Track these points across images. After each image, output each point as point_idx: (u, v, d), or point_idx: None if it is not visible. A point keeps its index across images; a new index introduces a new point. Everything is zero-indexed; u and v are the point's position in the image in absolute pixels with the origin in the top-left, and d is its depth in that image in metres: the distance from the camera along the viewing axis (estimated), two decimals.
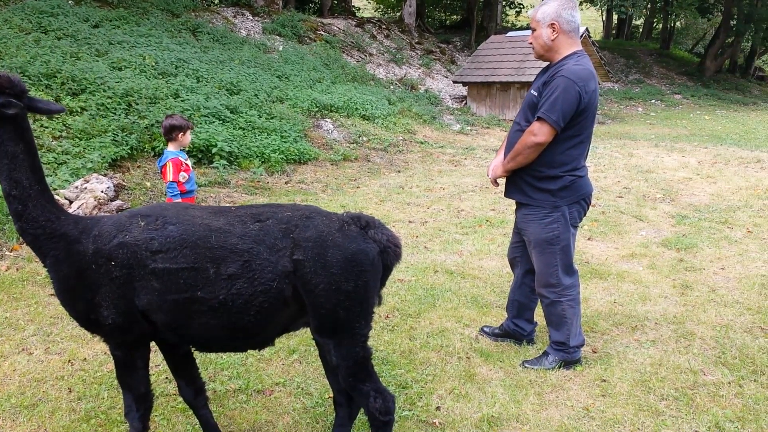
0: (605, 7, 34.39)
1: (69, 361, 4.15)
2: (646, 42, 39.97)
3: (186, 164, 5.43)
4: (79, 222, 2.71)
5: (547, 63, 4.06)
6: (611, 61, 30.73)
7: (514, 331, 4.52)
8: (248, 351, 3.57)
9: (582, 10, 41.97)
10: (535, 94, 3.92)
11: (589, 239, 7.23)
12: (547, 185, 3.94)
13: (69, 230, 2.65)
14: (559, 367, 4.15)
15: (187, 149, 5.41)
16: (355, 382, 2.79)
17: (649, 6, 33.60)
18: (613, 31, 42.02)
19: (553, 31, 3.86)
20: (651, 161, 12.69)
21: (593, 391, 3.90)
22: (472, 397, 3.80)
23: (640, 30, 43.45)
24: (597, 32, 41.38)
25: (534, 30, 3.93)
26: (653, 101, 27.07)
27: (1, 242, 6.21)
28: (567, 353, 4.18)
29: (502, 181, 4.30)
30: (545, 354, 4.25)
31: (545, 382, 4.00)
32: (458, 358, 4.29)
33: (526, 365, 4.21)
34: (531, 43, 4.00)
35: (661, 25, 40.11)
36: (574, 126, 3.84)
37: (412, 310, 5.10)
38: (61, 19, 13.12)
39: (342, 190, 9.99)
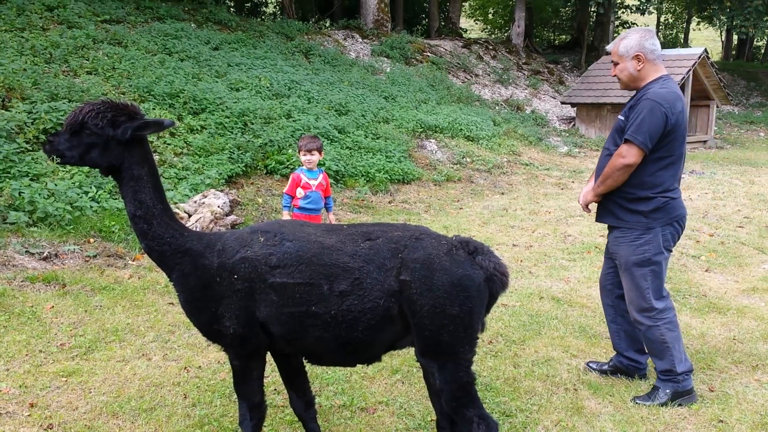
0: (725, 27, 32.64)
1: (185, 368, 4.37)
2: None
3: (307, 182, 5.68)
4: (203, 237, 2.88)
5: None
6: (731, 83, 29.07)
7: (629, 366, 4.34)
8: (356, 366, 3.64)
9: (700, 29, 40.08)
10: (623, 118, 4.01)
11: (707, 271, 6.85)
12: (639, 207, 3.96)
13: (193, 245, 2.81)
14: (673, 401, 3.96)
15: (314, 168, 5.76)
16: (458, 406, 2.78)
17: None
18: (733, 52, 39.76)
19: (639, 62, 3.98)
20: None
21: None
22: (579, 430, 3.68)
23: (762, 51, 40.92)
24: (716, 53, 39.28)
25: (617, 63, 4.05)
26: None
27: (124, 252, 6.64)
28: (676, 382, 4.01)
29: (594, 207, 4.30)
30: (655, 388, 4.07)
31: (658, 419, 3.81)
32: (565, 389, 4.17)
33: (638, 401, 4.03)
34: (615, 76, 4.11)
35: None
36: (663, 147, 3.89)
37: (517, 336, 5.01)
38: (184, 42, 13.97)
39: (445, 211, 9.99)
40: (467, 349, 2.75)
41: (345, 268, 2.66)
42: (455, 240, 2.82)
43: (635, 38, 4.00)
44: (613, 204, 4.06)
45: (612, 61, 4.11)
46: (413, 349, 2.87)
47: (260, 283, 2.69)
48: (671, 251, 4.09)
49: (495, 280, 2.75)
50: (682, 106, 3.90)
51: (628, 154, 3.83)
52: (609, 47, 4.17)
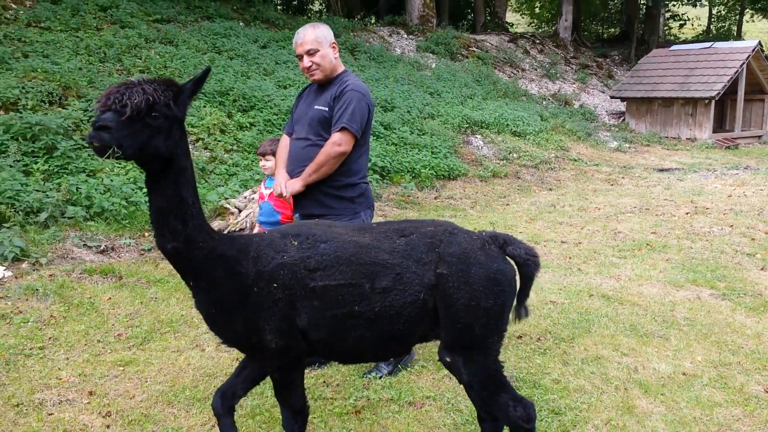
0: None
1: (237, 359, 4.45)
2: None
3: (261, 192, 4.94)
4: (234, 241, 2.73)
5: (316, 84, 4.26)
6: None
7: None
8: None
9: (753, 21, 38.72)
10: (326, 109, 4.11)
11: (762, 269, 6.65)
12: (347, 193, 4.17)
13: (226, 251, 2.62)
14: (392, 373, 4.27)
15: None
16: (489, 395, 2.82)
17: None
18: None
19: (334, 50, 4.18)
20: None
21: None
22: (630, 430, 3.63)
23: None
24: None
25: (316, 51, 4.07)
26: None
27: None
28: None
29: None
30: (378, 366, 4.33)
31: (711, 420, 3.73)
32: (615, 388, 4.11)
33: (366, 376, 4.24)
34: (311, 66, 4.09)
35: None
36: (363, 136, 4.18)
37: (565, 334, 4.96)
38: (233, 40, 14.18)
39: (491, 207, 9.93)
40: (496, 340, 2.82)
41: (385, 265, 2.67)
42: (485, 235, 2.87)
43: (325, 28, 4.14)
44: (320, 193, 4.13)
45: (307, 51, 4.06)
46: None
47: (300, 289, 2.61)
48: None
49: (529, 264, 2.82)
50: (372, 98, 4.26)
51: (344, 142, 4.00)
52: (298, 38, 4.10)
